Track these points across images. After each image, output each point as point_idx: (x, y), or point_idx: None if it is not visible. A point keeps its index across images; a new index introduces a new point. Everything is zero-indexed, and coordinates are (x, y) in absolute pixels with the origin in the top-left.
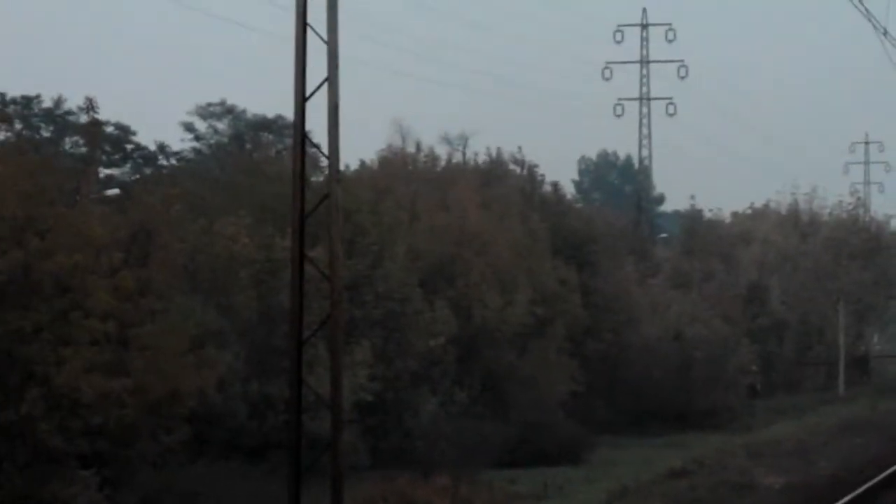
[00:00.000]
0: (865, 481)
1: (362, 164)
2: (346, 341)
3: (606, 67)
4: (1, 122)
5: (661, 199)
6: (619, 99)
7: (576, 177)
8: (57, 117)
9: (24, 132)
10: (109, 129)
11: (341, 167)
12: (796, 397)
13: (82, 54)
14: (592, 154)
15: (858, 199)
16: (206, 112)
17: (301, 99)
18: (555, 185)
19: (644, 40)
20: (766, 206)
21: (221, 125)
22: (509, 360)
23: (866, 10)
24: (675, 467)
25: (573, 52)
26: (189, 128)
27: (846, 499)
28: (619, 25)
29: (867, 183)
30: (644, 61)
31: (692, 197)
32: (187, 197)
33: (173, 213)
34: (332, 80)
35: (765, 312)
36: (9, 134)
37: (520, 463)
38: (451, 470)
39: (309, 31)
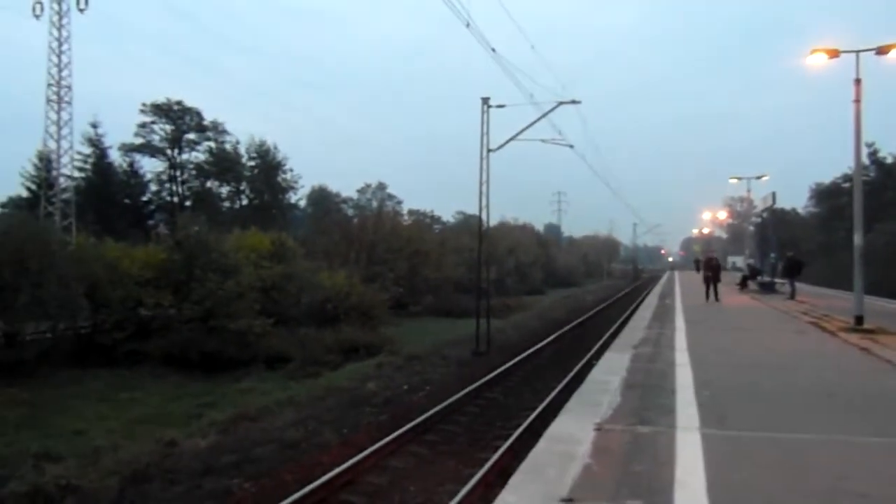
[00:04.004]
0: (598, 304)
1: (495, 225)
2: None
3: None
4: (427, 218)
5: (563, 235)
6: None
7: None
8: (421, 214)
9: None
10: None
11: (490, 225)
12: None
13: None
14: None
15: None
16: (459, 213)
17: (480, 210)
18: (538, 230)
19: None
20: (595, 233)
21: (460, 216)
22: (528, 270)
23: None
24: (556, 299)
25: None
26: (453, 216)
27: (590, 313)
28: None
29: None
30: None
31: (572, 235)
32: (450, 234)
33: (448, 236)
34: (486, 208)
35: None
36: (415, 217)
37: (524, 293)
38: (510, 296)
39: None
